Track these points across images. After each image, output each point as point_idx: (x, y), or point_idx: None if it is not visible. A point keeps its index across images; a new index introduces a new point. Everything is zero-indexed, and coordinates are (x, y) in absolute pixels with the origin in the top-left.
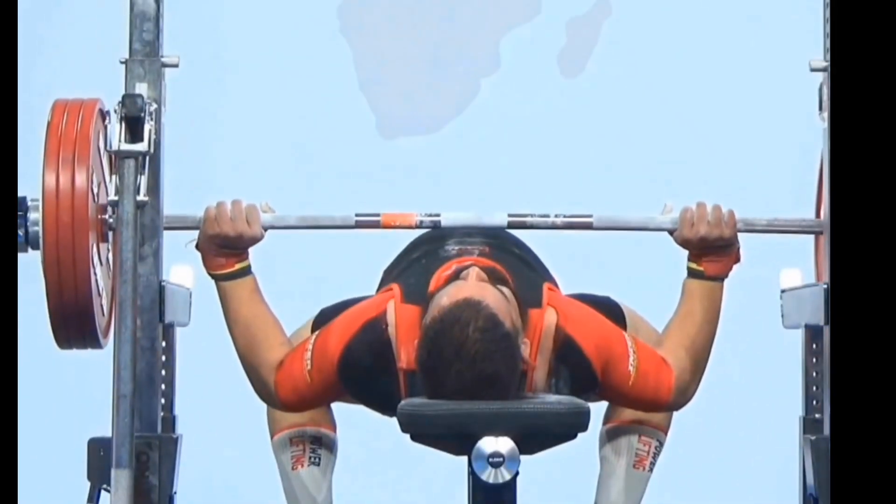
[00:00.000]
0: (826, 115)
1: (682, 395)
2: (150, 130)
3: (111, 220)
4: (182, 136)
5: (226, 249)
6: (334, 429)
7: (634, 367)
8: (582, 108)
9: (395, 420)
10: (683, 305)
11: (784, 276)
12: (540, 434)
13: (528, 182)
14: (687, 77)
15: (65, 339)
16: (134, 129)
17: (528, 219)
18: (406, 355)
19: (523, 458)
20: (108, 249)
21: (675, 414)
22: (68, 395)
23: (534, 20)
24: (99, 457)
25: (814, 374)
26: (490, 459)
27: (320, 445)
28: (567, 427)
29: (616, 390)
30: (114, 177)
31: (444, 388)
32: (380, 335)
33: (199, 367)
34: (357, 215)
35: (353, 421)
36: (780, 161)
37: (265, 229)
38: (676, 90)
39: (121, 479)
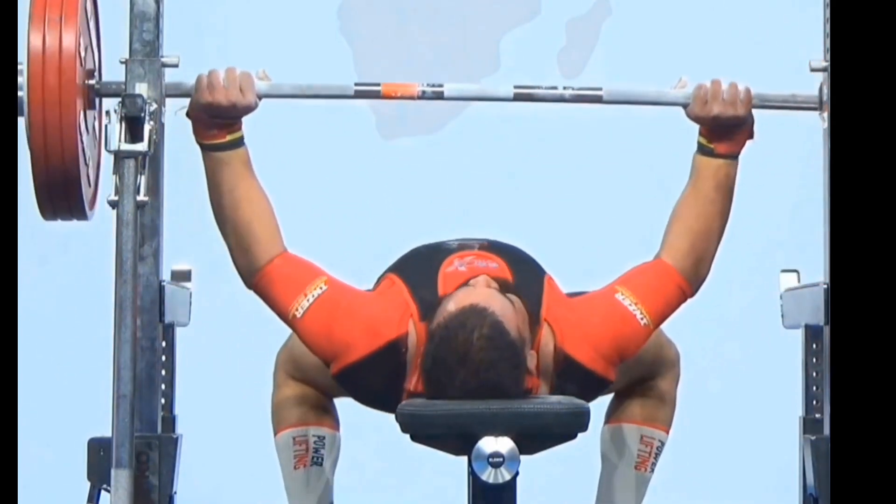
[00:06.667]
0: (826, 115)
1: (696, 281)
2: (150, 130)
3: (98, 86)
4: (182, 137)
5: (218, 119)
6: (337, 428)
7: (644, 315)
8: (581, 109)
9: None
10: (692, 185)
11: (783, 279)
12: (540, 434)
13: (529, 182)
14: (686, 77)
15: (50, 209)
16: (134, 129)
17: (536, 91)
18: (415, 378)
19: (523, 458)
20: (95, 117)
21: (675, 414)
22: (68, 395)
23: (534, 20)
24: (99, 457)
25: (814, 374)
26: (490, 459)
27: (323, 445)
28: (567, 427)
29: (640, 354)
30: (114, 176)
31: (448, 395)
32: (399, 358)
33: (199, 367)
34: (356, 84)
35: (356, 421)
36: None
37: (259, 98)
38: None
39: (121, 479)
